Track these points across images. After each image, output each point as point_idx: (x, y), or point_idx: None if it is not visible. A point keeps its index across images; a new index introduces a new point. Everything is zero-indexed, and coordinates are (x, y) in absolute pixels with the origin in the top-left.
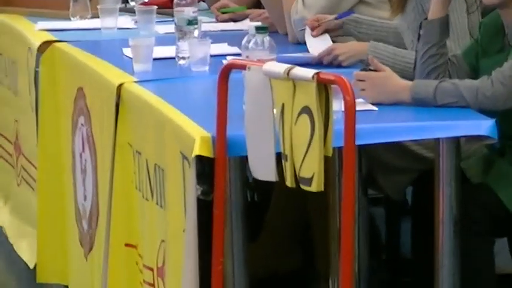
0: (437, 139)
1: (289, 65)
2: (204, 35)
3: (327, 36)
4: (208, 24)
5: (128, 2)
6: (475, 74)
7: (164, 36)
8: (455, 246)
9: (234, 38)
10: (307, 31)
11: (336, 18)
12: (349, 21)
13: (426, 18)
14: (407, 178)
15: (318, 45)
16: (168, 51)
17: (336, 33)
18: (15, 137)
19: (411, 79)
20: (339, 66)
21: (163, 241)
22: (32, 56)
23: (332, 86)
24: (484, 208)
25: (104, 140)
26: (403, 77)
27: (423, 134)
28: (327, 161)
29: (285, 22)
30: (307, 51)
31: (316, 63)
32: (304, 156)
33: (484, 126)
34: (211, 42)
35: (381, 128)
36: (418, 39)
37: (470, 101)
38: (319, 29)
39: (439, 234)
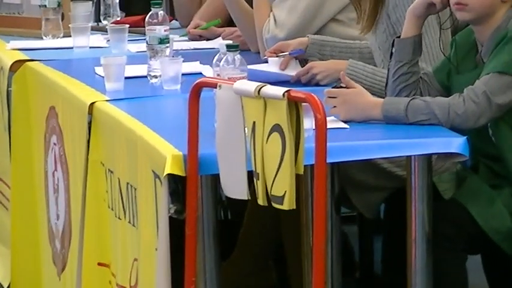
0: (409, 157)
1: (259, 83)
2: (176, 53)
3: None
4: (180, 43)
5: (100, 21)
6: (446, 91)
7: (136, 55)
8: (427, 264)
9: (206, 56)
10: (272, 62)
11: (290, 54)
12: (312, 44)
13: (399, 37)
14: (380, 196)
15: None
16: (140, 69)
17: (299, 58)
18: None
19: None
20: (317, 85)
21: (136, 260)
22: (4, 76)
23: (303, 104)
24: (456, 225)
25: (76, 159)
26: (382, 97)
27: (395, 152)
28: (299, 179)
29: (257, 40)
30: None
31: (294, 82)
32: (276, 174)
33: (456, 143)
34: (184, 61)
35: (353, 146)
36: (391, 57)
37: (442, 119)
38: (283, 62)
39: (411, 252)
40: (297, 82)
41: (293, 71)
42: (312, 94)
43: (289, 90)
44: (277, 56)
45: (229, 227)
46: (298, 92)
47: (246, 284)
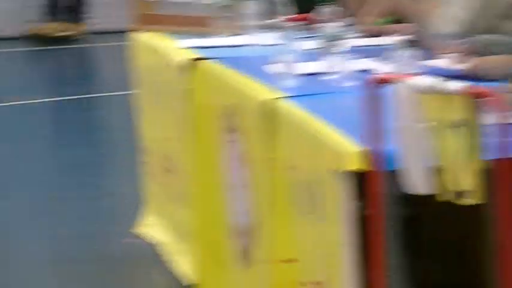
0: None
1: (437, 79)
2: (350, 50)
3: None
4: (354, 40)
5: (271, 19)
6: None
7: (309, 52)
8: None
9: (379, 53)
10: (445, 58)
11: (460, 45)
12: (479, 43)
13: None
14: None
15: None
16: (313, 66)
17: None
18: (167, 155)
19: None
20: (487, 80)
21: (324, 256)
22: (178, 74)
23: (483, 99)
24: None
25: (256, 156)
26: None
27: None
28: (482, 174)
29: (429, 37)
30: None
31: (466, 76)
32: (459, 169)
33: None
34: (358, 57)
35: None
36: None
37: None
38: (456, 57)
39: None
40: (469, 77)
41: (464, 66)
42: (492, 89)
43: (468, 85)
44: (448, 52)
45: (414, 223)
46: (478, 87)
47: (434, 280)
